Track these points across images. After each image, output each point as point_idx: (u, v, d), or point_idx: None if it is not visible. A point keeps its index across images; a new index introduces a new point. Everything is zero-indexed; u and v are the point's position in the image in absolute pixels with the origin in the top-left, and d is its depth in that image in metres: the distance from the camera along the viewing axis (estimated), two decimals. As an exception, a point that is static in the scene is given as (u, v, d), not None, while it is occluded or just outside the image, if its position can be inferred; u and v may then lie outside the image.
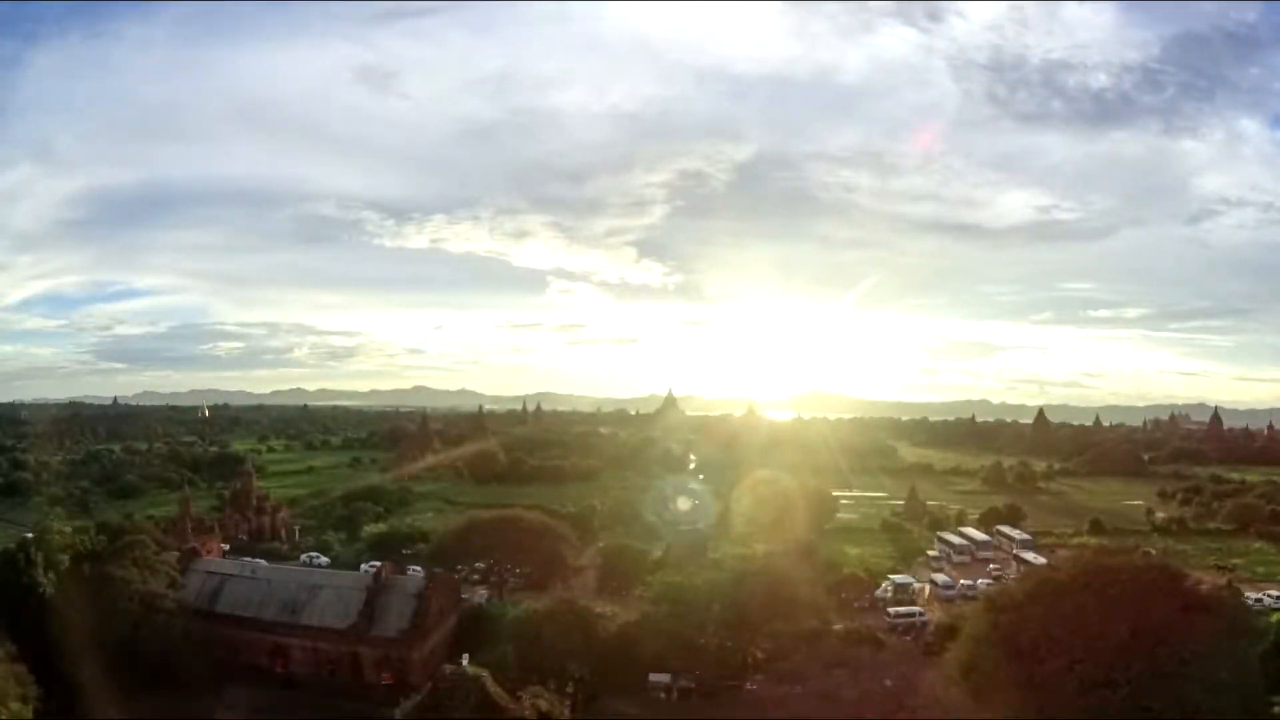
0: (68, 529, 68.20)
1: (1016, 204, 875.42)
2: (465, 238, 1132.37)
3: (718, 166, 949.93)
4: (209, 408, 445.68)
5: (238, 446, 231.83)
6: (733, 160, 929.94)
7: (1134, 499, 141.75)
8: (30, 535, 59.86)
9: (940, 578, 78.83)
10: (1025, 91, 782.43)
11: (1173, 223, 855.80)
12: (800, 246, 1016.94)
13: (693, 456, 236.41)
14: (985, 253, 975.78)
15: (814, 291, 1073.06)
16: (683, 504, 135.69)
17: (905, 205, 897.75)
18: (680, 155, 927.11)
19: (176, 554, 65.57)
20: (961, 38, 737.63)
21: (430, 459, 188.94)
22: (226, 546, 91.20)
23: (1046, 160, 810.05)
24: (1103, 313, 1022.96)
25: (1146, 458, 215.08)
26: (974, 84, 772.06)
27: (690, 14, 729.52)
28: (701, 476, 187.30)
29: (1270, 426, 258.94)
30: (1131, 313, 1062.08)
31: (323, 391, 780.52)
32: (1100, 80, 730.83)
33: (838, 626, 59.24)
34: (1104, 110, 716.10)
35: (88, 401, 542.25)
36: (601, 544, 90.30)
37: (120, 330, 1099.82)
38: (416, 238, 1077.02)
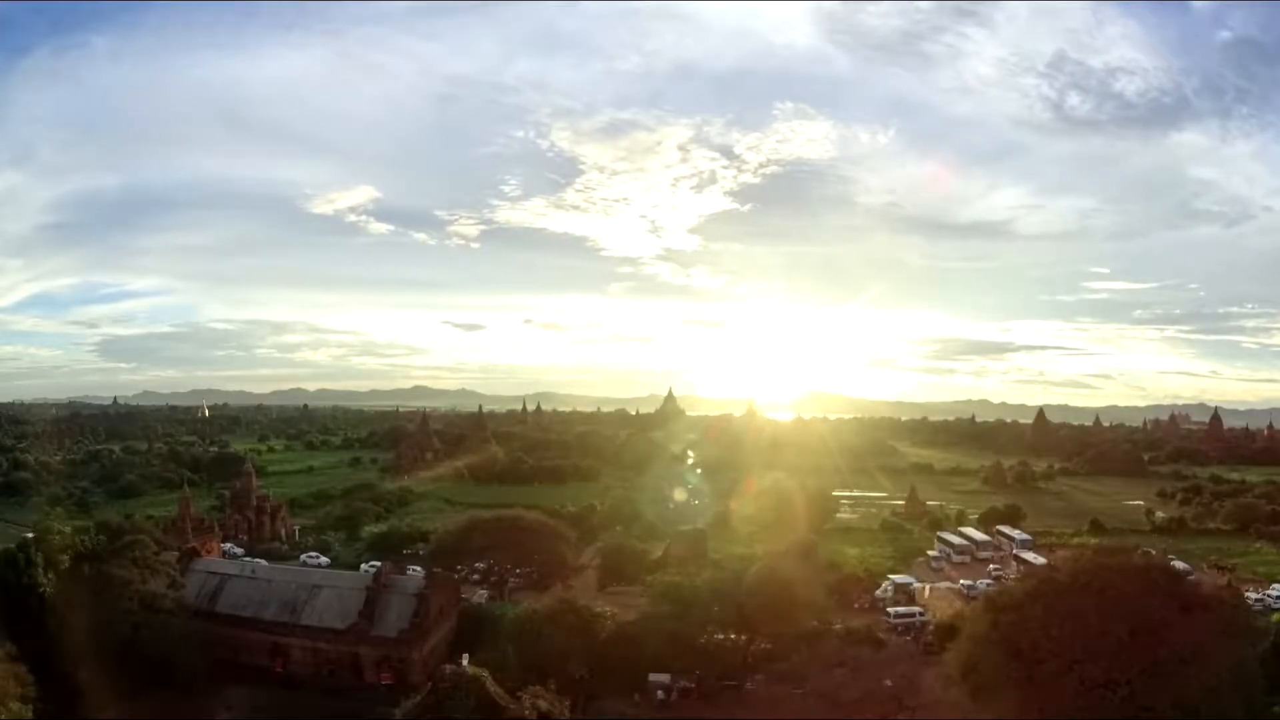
0: (68, 529, 68.18)
1: (1051, 207, 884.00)
2: (468, 236, 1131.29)
3: (746, 165, 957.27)
4: (209, 408, 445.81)
5: (238, 446, 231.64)
6: (764, 159, 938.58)
7: (1134, 499, 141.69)
8: (30, 535, 59.88)
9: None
10: (1078, 95, 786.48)
11: (1211, 225, 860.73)
12: (814, 247, 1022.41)
13: (693, 456, 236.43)
14: (1012, 254, 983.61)
15: (819, 291, 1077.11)
16: (682, 503, 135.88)
17: (933, 208, 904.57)
18: (714, 153, 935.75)
19: (176, 554, 65.57)
20: (1019, 41, 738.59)
21: (430, 458, 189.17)
22: (228, 546, 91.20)
23: (1091, 163, 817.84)
24: (1137, 314, 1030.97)
25: (1146, 458, 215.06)
26: (1029, 87, 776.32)
27: (733, 12, 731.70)
28: (700, 473, 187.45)
29: (1270, 426, 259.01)
30: (1152, 314, 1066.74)
31: (323, 391, 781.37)
32: (1157, 84, 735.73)
33: (838, 626, 59.21)
34: (1157, 115, 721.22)
35: (88, 401, 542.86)
36: (601, 544, 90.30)
37: (119, 330, 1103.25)
38: (419, 237, 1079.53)
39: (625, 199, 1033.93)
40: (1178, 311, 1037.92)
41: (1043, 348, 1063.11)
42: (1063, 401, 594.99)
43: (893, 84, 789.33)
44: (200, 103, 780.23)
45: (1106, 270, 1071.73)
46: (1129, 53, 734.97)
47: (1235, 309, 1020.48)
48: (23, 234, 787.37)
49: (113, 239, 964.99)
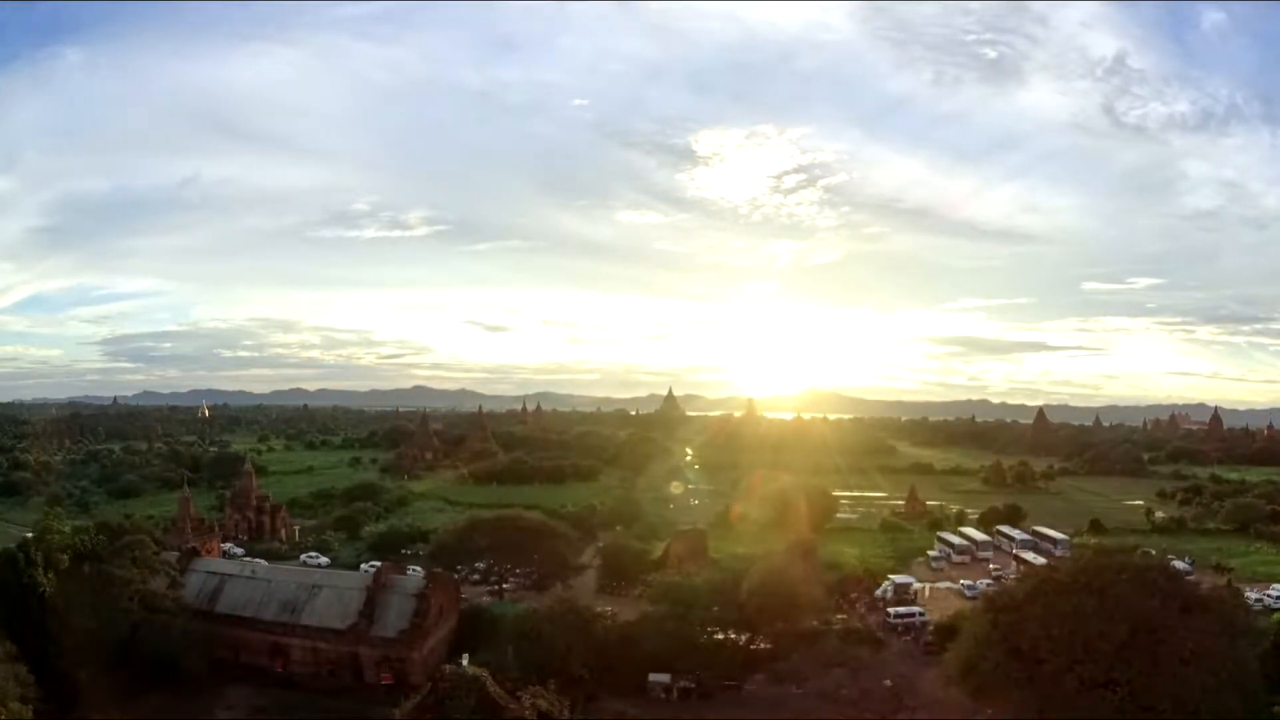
0: (68, 529, 68.11)
1: (1079, 208, 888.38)
2: (468, 236, 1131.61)
3: (773, 167, 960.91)
4: (209, 408, 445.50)
5: (238, 446, 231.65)
6: (790, 161, 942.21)
7: (1134, 499, 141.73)
8: (30, 535, 59.84)
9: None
10: (1127, 101, 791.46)
11: (1245, 229, 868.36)
12: (821, 246, 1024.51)
13: (693, 456, 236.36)
14: (1038, 255, 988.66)
15: (822, 291, 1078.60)
16: (682, 503, 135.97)
17: (954, 209, 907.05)
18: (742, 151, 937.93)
19: (176, 554, 65.55)
20: (1075, 45, 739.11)
21: (430, 458, 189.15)
22: (228, 546, 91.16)
23: (1127, 166, 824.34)
24: (1164, 316, 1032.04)
25: (1146, 458, 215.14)
26: (1080, 90, 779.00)
27: (767, 12, 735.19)
28: (700, 473, 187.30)
29: (1270, 426, 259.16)
30: (1180, 316, 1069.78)
31: (323, 391, 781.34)
32: (1210, 91, 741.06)
33: (838, 626, 59.18)
34: (1206, 121, 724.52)
35: (88, 401, 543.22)
36: (601, 544, 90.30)
37: (119, 330, 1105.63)
38: (420, 237, 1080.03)
39: (722, 195, 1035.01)
40: (1206, 312, 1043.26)
41: (1063, 348, 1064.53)
42: (1063, 401, 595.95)
43: (926, 84, 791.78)
44: (186, 108, 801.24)
45: (1135, 271, 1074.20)
46: (1183, 60, 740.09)
47: (1261, 311, 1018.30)
48: (15, 237, 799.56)
49: (110, 241, 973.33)
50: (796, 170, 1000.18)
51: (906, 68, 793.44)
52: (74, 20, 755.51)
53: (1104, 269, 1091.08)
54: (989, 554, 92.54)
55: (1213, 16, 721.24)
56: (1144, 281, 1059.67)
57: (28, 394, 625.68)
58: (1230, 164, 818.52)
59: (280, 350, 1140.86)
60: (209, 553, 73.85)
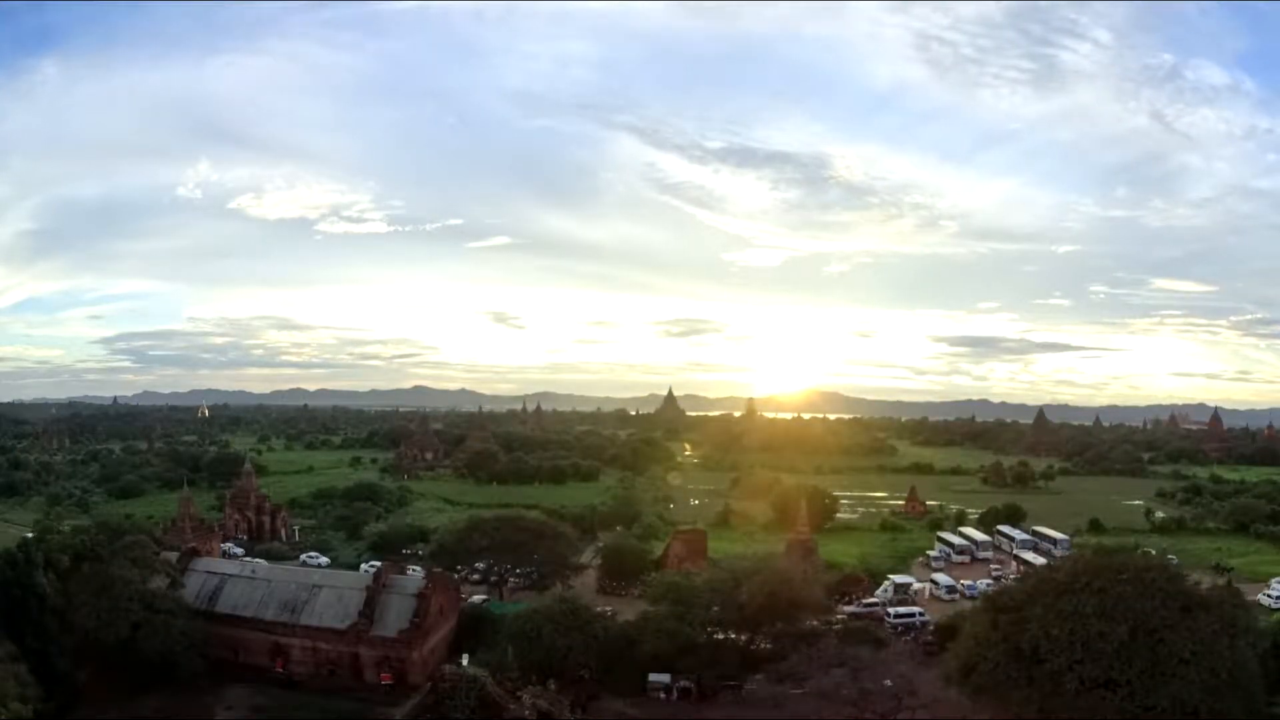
0: (68, 529, 68.13)
1: (1099, 212, 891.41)
2: (470, 234, 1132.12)
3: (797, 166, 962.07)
4: (209, 408, 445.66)
5: (238, 446, 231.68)
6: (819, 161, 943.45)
7: (1134, 499, 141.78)
8: (30, 535, 59.86)
9: (942, 578, 78.62)
10: (1176, 108, 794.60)
11: (1273, 233, 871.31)
12: (833, 248, 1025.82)
13: (693, 455, 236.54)
14: (1052, 257, 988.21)
15: (823, 291, 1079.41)
16: (682, 503, 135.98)
17: (971, 210, 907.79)
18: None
19: (176, 554, 65.50)
20: (1125, 48, 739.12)
21: (430, 458, 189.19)
22: (228, 545, 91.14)
23: (1171, 173, 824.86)
24: (1192, 318, 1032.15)
25: (1146, 458, 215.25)
26: (1129, 94, 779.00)
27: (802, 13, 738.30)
28: (699, 473, 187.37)
29: (1270, 426, 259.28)
30: (1197, 318, 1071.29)
31: (323, 391, 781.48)
32: (1262, 99, 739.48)
33: (838, 626, 59.14)
34: (1251, 132, 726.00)
35: (88, 401, 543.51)
36: (601, 544, 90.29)
37: (119, 330, 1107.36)
38: (422, 235, 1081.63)
39: (732, 195, 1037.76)
40: (1233, 315, 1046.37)
41: (1083, 348, 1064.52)
42: (1063, 401, 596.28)
43: (956, 87, 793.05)
44: (171, 113, 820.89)
45: (1160, 273, 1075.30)
46: (1233, 67, 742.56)
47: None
48: (7, 240, 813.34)
49: (105, 243, 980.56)
50: (814, 170, 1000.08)
51: (948, 70, 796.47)
52: (48, 30, 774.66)
53: (1130, 271, 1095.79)
54: (989, 554, 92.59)
55: (1263, 26, 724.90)
56: (1171, 284, 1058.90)
57: (28, 394, 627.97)
58: (1268, 171, 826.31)
59: (280, 350, 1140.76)
60: (209, 553, 73.79)
